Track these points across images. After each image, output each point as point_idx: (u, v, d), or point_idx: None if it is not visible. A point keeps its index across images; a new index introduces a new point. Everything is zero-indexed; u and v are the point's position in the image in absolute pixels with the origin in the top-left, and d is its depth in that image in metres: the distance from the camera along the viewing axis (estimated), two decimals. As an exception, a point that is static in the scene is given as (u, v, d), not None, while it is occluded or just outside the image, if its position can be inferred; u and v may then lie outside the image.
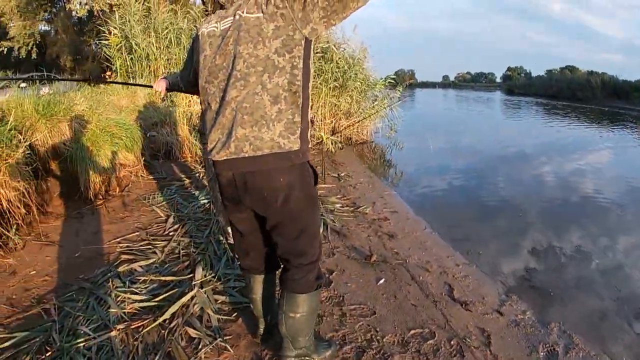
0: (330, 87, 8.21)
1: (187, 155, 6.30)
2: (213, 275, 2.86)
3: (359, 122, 8.46)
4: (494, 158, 8.43)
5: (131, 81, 7.98)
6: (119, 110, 5.82)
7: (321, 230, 3.50)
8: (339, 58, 8.25)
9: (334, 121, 8.42)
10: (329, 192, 5.09)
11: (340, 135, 8.42)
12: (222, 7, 1.64)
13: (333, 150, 7.68)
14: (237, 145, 1.53)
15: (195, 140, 6.40)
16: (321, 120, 8.24)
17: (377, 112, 8.81)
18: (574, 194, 5.94)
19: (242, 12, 1.51)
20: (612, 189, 6.23)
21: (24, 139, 3.82)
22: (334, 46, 8.25)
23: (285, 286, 1.79)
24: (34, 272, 3.03)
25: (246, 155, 1.53)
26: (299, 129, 1.55)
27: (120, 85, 7.74)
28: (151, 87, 2.68)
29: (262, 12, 1.47)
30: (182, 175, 5.42)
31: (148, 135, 6.00)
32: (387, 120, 9.44)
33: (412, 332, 2.38)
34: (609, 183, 6.61)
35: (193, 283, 2.72)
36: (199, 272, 2.84)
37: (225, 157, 1.57)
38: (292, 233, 1.68)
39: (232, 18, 1.54)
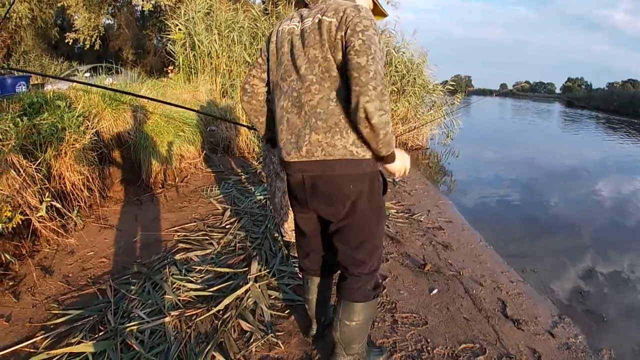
0: (389, 92, 8.20)
1: (244, 150, 6.52)
2: (268, 270, 2.93)
3: (415, 128, 8.42)
4: (551, 173, 8.15)
5: (192, 77, 8.26)
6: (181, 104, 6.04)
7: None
8: (398, 62, 8.23)
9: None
10: (385, 197, 5.13)
11: (396, 141, 8.37)
12: (306, 5, 1.64)
13: (389, 155, 7.67)
14: (308, 149, 1.54)
15: (254, 136, 6.64)
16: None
17: (435, 119, 8.71)
18: (632, 217, 5.68)
19: (323, 15, 1.49)
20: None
21: (91, 125, 4.02)
22: (394, 50, 8.23)
23: (342, 294, 1.80)
24: (92, 252, 3.17)
25: (318, 159, 1.54)
26: None
27: (182, 79, 8.07)
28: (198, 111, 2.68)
29: (338, 20, 1.46)
30: (239, 170, 5.64)
31: (208, 129, 6.20)
32: (444, 126, 9.33)
33: (463, 346, 2.42)
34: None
35: (248, 277, 2.78)
36: (254, 267, 2.90)
37: (296, 159, 1.59)
38: (353, 241, 1.69)
39: (313, 19, 1.53)
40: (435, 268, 3.38)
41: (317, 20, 1.51)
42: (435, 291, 3.01)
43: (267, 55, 1.75)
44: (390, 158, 1.57)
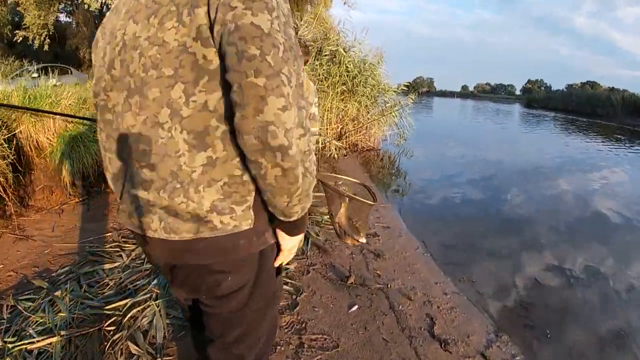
0: (337, 92, 7.86)
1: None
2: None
3: (363, 125, 8.07)
4: (507, 173, 7.88)
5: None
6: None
7: (289, 270, 3.05)
8: (348, 61, 7.89)
9: (340, 126, 8.05)
10: (321, 201, 4.71)
11: (346, 142, 8.06)
12: None
13: (336, 156, 7.33)
14: (141, 217, 1.00)
15: None
16: (327, 126, 7.87)
17: (384, 116, 8.42)
18: (587, 217, 5.40)
19: None
20: (627, 212, 5.66)
21: (7, 131, 3.74)
22: (343, 49, 7.89)
23: None
24: (1, 266, 2.95)
25: (157, 236, 0.98)
26: (254, 190, 0.98)
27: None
28: None
29: None
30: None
31: None
32: (398, 127, 9.03)
33: (376, 373, 2.00)
34: (624, 205, 6.01)
35: (148, 294, 2.48)
36: (156, 282, 2.60)
37: (132, 229, 1.07)
38: (228, 336, 1.17)
39: None
40: (361, 280, 2.96)
41: None
42: (355, 308, 2.59)
43: None
44: (300, 224, 1.05)
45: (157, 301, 2.43)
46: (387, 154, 8.81)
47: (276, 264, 1.15)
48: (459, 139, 12.86)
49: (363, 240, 2.64)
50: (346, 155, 7.72)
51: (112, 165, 1.06)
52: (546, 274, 3.59)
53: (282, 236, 1.07)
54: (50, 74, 6.54)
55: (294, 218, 1.00)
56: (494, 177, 7.33)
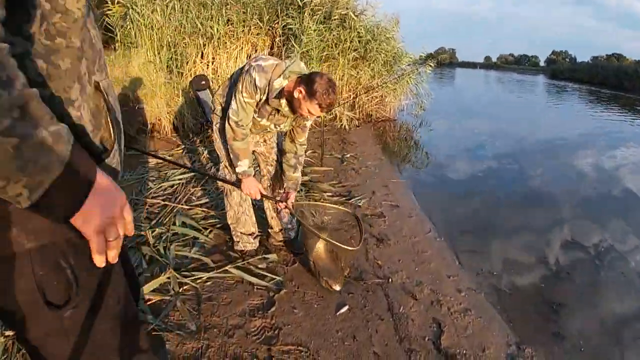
0: (349, 58, 7.21)
1: (180, 130, 5.64)
2: None
3: (376, 89, 7.41)
4: (531, 149, 6.99)
5: (131, 51, 7.28)
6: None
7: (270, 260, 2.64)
8: (360, 26, 7.22)
9: (352, 95, 7.43)
10: (325, 176, 4.20)
11: (360, 112, 7.44)
12: None
13: (348, 127, 6.74)
14: None
15: (188, 113, 5.83)
16: (338, 95, 7.27)
17: (400, 83, 7.71)
18: (622, 199, 4.69)
19: None
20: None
21: None
22: (353, 14, 7.22)
23: None
24: None
25: None
26: None
27: (114, 54, 7.15)
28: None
29: None
30: (165, 152, 4.69)
31: (137, 107, 5.51)
32: (416, 97, 8.34)
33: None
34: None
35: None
36: None
37: None
38: None
39: None
40: (357, 273, 2.45)
41: None
42: (344, 309, 2.10)
43: None
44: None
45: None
46: (403, 124, 8.13)
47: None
48: (481, 111, 11.90)
49: (337, 288, 2.24)
50: (359, 126, 7.12)
51: None
52: (581, 270, 2.96)
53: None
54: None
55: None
56: (518, 153, 6.50)
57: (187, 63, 6.55)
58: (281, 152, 2.41)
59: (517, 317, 2.29)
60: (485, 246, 3.14)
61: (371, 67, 7.41)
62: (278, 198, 2.38)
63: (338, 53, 7.17)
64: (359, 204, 3.50)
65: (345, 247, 2.06)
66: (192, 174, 3.85)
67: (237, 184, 2.23)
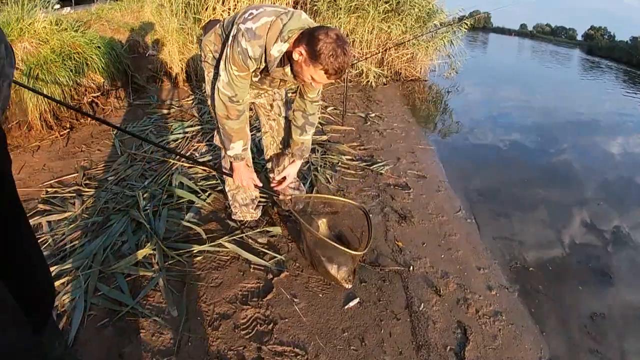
0: (380, 11, 6.58)
1: (192, 79, 5.26)
2: (117, 249, 1.99)
3: (406, 44, 6.80)
4: (562, 123, 6.30)
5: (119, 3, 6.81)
6: (120, 28, 5.28)
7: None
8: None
9: (381, 51, 6.85)
10: (346, 136, 3.81)
11: (388, 69, 6.90)
12: None
13: (374, 84, 6.24)
14: None
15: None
16: (366, 49, 6.70)
17: (432, 41, 7.08)
18: None
19: None
20: None
21: None
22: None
23: None
24: None
25: None
26: None
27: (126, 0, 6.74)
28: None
29: None
30: (173, 102, 4.34)
31: (147, 55, 5.19)
32: (449, 58, 7.71)
33: None
34: None
35: (81, 260, 1.89)
36: (93, 246, 1.97)
37: None
38: None
39: None
40: (373, 256, 2.12)
41: None
42: (354, 302, 1.79)
43: None
44: None
45: (90, 270, 1.81)
46: (434, 86, 7.52)
47: None
48: (513, 79, 11.03)
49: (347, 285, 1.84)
50: (386, 84, 6.59)
51: None
52: (631, 277, 2.56)
53: None
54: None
55: None
56: (552, 128, 5.81)
57: (205, 9, 6.05)
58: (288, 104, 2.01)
59: (552, 326, 1.95)
60: (520, 234, 2.73)
61: (403, 21, 6.77)
62: (280, 192, 2.04)
63: (368, 4, 6.55)
64: (381, 171, 3.12)
65: (349, 250, 1.71)
66: (200, 126, 3.53)
67: (230, 173, 1.88)
